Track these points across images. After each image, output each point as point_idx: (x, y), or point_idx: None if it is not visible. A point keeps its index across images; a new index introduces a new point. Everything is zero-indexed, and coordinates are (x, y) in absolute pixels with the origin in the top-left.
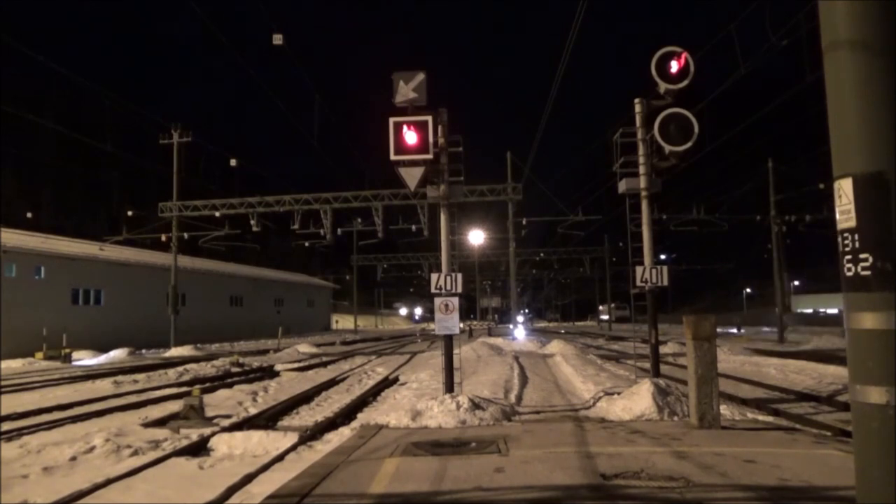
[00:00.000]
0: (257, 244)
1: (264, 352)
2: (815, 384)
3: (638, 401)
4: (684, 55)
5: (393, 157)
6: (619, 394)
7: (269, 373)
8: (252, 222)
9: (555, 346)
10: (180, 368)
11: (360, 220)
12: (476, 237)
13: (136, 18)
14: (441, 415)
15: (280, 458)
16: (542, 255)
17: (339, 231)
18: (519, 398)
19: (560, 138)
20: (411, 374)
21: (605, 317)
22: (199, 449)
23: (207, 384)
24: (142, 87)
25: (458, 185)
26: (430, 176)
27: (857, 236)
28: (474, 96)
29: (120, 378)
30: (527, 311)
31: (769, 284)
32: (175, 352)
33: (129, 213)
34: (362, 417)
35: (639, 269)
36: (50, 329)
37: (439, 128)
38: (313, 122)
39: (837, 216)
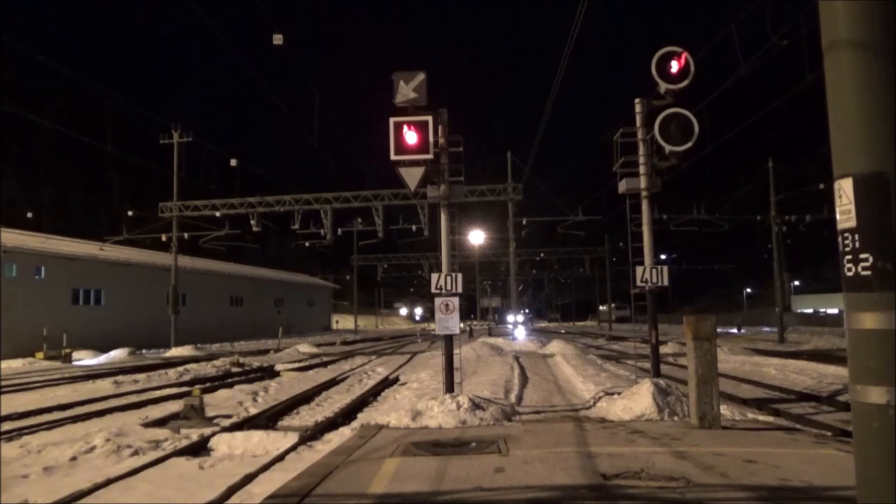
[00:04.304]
0: (257, 244)
1: (264, 352)
2: (816, 384)
3: (638, 401)
4: (684, 55)
5: (393, 157)
6: (619, 394)
7: (269, 373)
8: (252, 222)
9: (555, 346)
10: (180, 368)
11: (360, 220)
12: (476, 237)
13: (137, 18)
14: (441, 415)
15: (280, 458)
16: (542, 255)
17: (339, 231)
18: (519, 398)
19: (560, 138)
20: (411, 374)
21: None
22: (199, 449)
23: (208, 384)
24: (142, 87)
25: (458, 185)
26: (430, 176)
27: (857, 236)
28: (474, 96)
29: (120, 378)
30: (527, 311)
31: (769, 284)
32: (175, 352)
33: (130, 213)
34: (362, 417)
35: (639, 269)
36: (50, 329)
37: (439, 128)
38: (313, 122)
39: (837, 216)
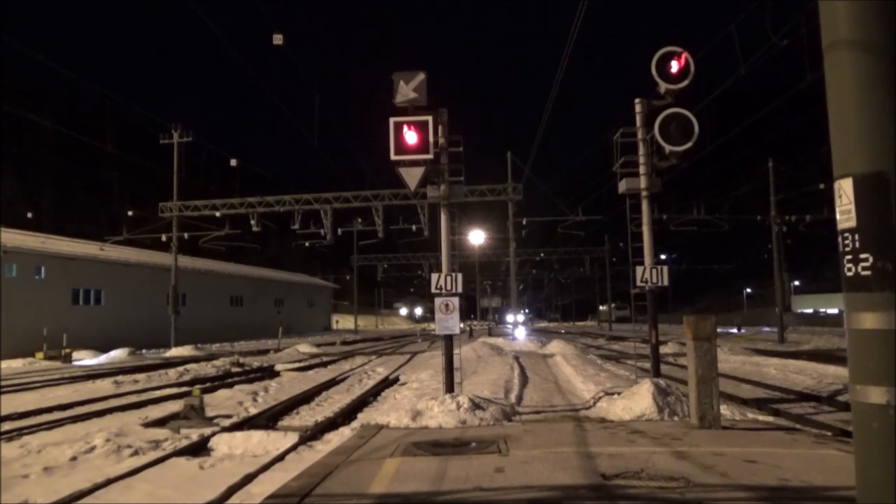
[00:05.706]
0: (257, 244)
1: (264, 352)
2: (816, 384)
3: (638, 401)
4: (684, 55)
5: (393, 157)
6: (619, 394)
7: (269, 373)
8: (252, 222)
9: (555, 346)
10: (180, 368)
11: (360, 220)
12: (476, 237)
13: (137, 18)
14: (441, 415)
15: (280, 458)
16: (542, 255)
17: (339, 231)
18: (519, 398)
19: (561, 138)
20: (411, 374)
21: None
22: (199, 449)
23: (208, 384)
24: (142, 87)
25: (458, 185)
26: (430, 176)
27: (857, 236)
28: (474, 96)
29: (120, 378)
30: (527, 311)
31: (769, 284)
32: (175, 352)
33: (130, 213)
34: (363, 417)
35: (639, 269)
36: (50, 329)
37: (439, 128)
38: (313, 122)
39: (837, 216)
